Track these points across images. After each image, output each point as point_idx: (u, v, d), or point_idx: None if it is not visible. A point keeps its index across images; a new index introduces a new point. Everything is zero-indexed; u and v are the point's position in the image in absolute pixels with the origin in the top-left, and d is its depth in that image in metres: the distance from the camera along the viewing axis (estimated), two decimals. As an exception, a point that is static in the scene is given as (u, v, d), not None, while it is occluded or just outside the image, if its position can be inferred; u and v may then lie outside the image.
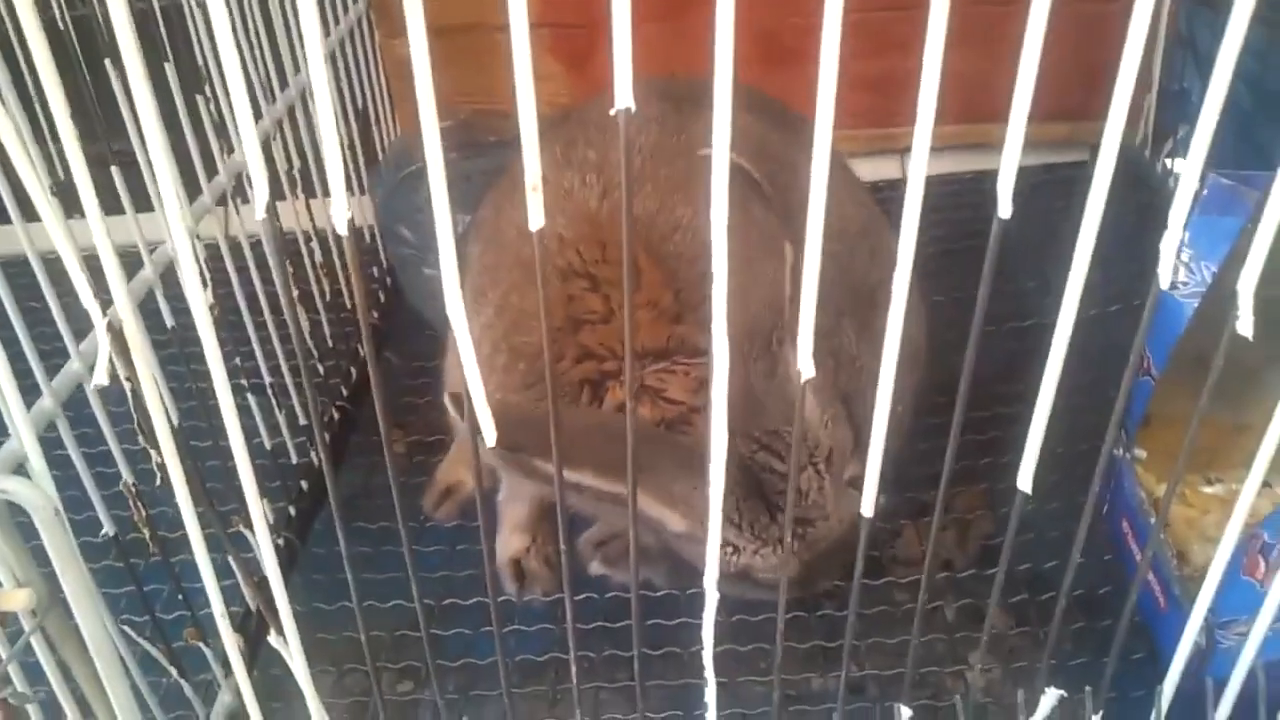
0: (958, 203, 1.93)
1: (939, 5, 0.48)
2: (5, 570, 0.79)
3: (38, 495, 0.73)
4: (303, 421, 1.45)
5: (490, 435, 0.66)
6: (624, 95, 0.55)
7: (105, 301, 0.66)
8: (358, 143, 1.75)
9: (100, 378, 0.64)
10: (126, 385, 0.72)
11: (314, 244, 1.55)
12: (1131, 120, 2.00)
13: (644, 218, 1.11)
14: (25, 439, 0.76)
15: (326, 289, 1.58)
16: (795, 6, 1.78)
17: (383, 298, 1.82)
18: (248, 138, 0.57)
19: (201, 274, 1.14)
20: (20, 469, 0.80)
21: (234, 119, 1.30)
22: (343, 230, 0.60)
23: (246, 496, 0.74)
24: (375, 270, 1.84)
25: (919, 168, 0.57)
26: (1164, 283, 0.63)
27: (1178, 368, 1.13)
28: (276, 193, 1.37)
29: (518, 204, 1.26)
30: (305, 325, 1.46)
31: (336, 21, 1.64)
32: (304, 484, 1.40)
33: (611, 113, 0.55)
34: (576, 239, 1.11)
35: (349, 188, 1.58)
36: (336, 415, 1.54)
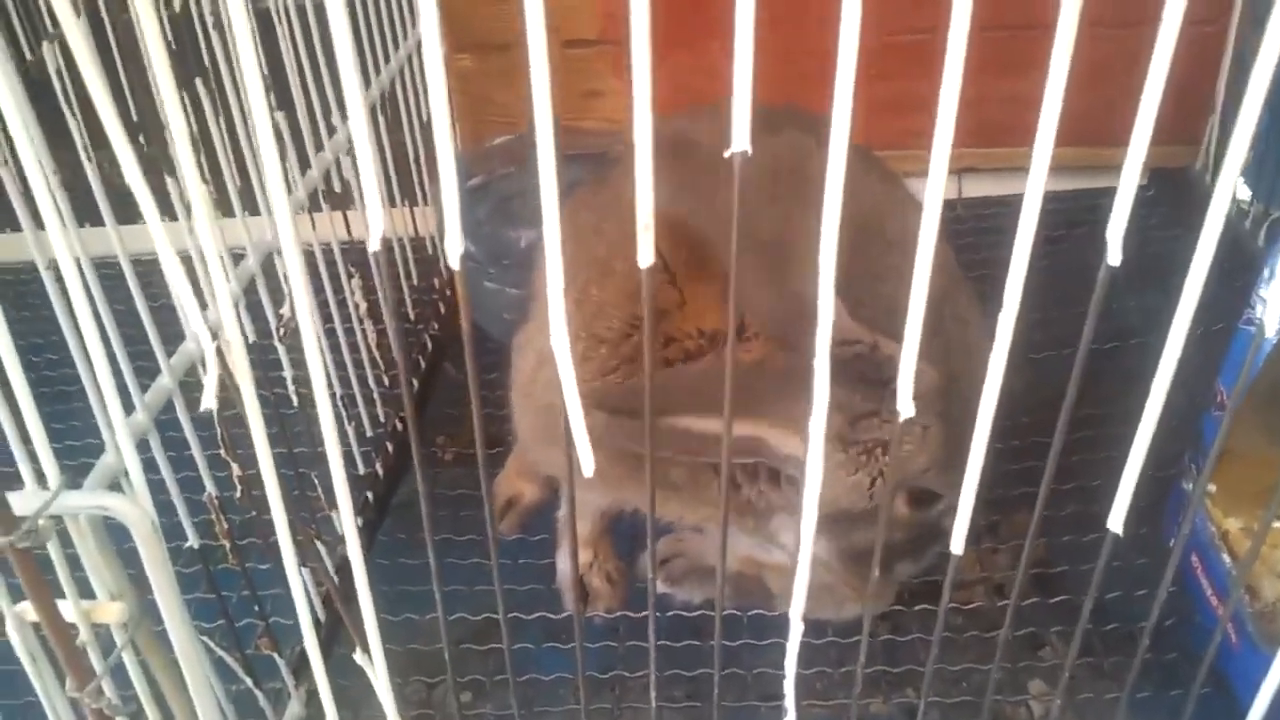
0: (1004, 225, 1.93)
1: (1067, 26, 0.48)
2: (98, 582, 0.81)
3: (137, 512, 0.74)
4: (369, 433, 1.47)
5: (589, 466, 0.67)
6: (741, 139, 0.55)
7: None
8: (422, 155, 1.77)
9: (209, 402, 0.66)
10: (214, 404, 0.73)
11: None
12: (1193, 144, 2.00)
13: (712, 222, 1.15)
14: (127, 455, 0.77)
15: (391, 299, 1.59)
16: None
17: (443, 309, 1.84)
18: (366, 176, 0.58)
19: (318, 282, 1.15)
20: (115, 483, 0.82)
21: (312, 137, 1.32)
22: (455, 264, 0.61)
23: (342, 515, 0.75)
24: (436, 281, 1.85)
25: (1035, 193, 0.57)
26: (1270, 331, 0.63)
27: (1250, 402, 1.13)
28: (347, 202, 1.40)
29: (594, 207, 1.28)
30: (372, 337, 1.48)
31: (405, 37, 1.65)
32: (369, 495, 1.42)
33: (726, 154, 0.56)
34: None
35: (415, 200, 1.59)
36: (399, 425, 1.55)
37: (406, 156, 1.72)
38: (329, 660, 1.10)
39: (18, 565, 0.70)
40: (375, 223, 0.59)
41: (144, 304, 0.97)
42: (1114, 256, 0.58)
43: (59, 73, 0.80)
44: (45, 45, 0.77)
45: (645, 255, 0.59)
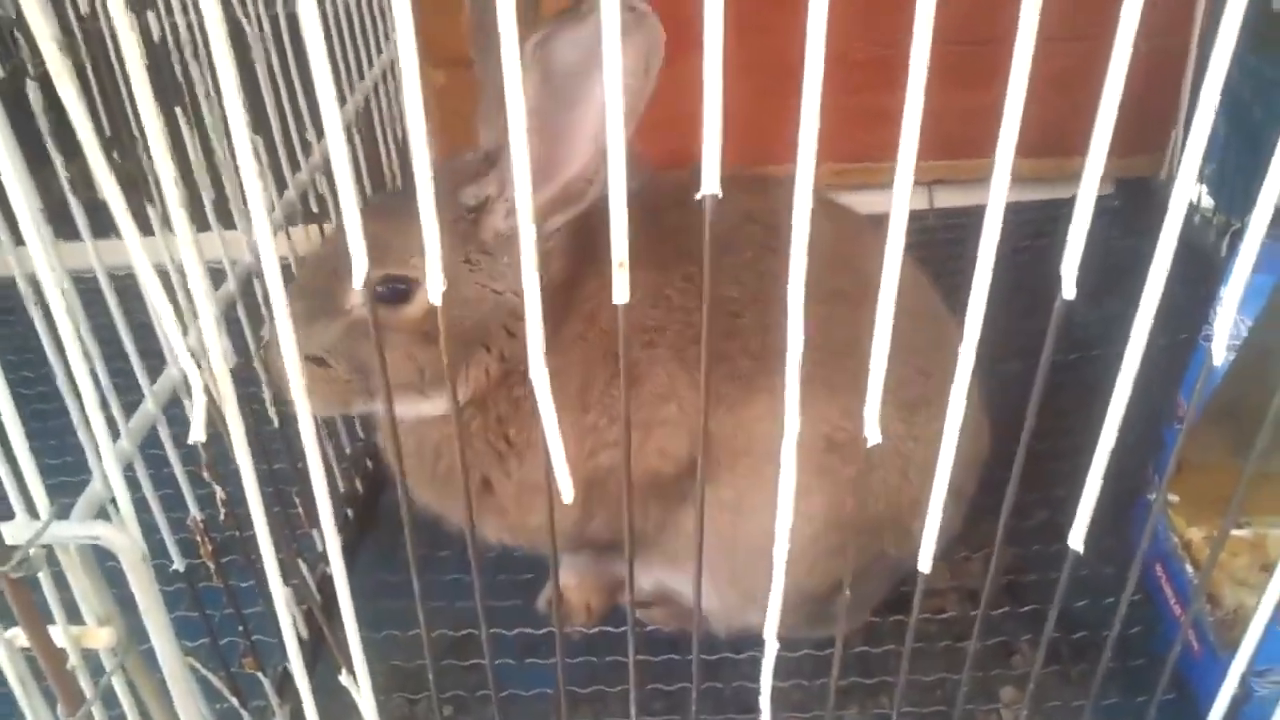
0: (970, 235, 1.96)
1: (1024, 43, 0.51)
2: (86, 608, 0.82)
3: (128, 541, 0.76)
4: (348, 449, 1.48)
5: (568, 493, 0.69)
6: (711, 182, 0.57)
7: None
8: (398, 173, 1.77)
9: (198, 434, 0.67)
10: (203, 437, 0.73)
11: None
12: (1157, 153, 2.04)
13: None
14: (115, 485, 0.79)
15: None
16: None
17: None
18: (350, 220, 0.60)
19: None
20: (102, 510, 0.83)
21: (288, 157, 1.34)
22: (437, 300, 0.63)
23: (327, 540, 0.76)
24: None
25: (996, 210, 0.59)
26: (1217, 359, 0.65)
27: (1209, 416, 1.16)
28: (324, 216, 1.41)
29: None
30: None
31: (379, 53, 1.66)
32: (349, 512, 1.43)
33: (697, 196, 0.58)
34: None
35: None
36: (378, 441, 1.56)
37: (382, 173, 1.73)
38: (312, 678, 1.12)
39: (11, 594, 0.71)
40: (359, 264, 0.61)
41: (124, 324, 0.97)
42: (1069, 290, 0.60)
43: (43, 109, 0.81)
44: (30, 83, 0.78)
45: (620, 293, 0.61)
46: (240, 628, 1.08)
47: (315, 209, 1.41)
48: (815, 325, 0.86)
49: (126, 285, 0.93)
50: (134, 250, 0.65)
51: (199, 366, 0.70)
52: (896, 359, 1.17)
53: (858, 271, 1.03)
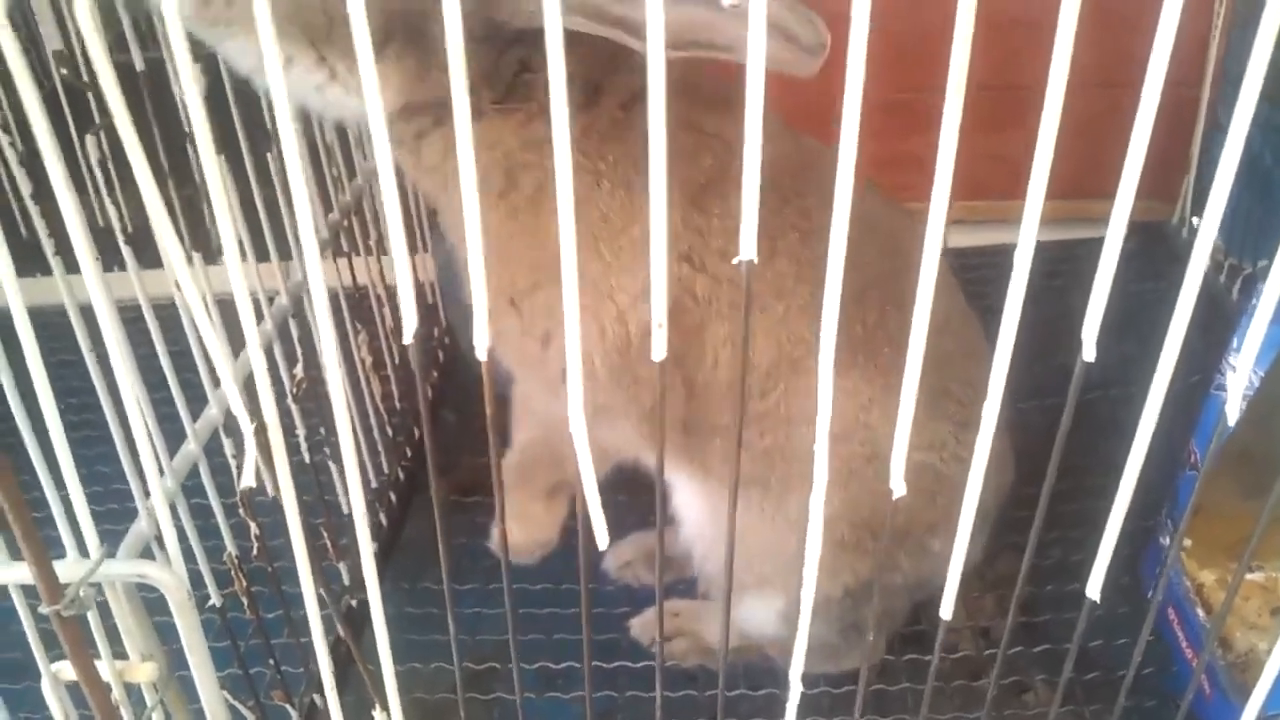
0: (988, 275, 2.00)
1: (1054, 96, 0.53)
2: (130, 643, 0.85)
3: (174, 580, 0.78)
4: (374, 484, 1.51)
5: (603, 539, 0.71)
6: (748, 248, 0.60)
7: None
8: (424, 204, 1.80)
9: (249, 480, 0.70)
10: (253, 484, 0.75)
11: (385, 309, 1.59)
12: (1169, 200, 2.07)
13: None
14: (163, 526, 0.81)
15: (395, 351, 1.63)
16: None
17: (442, 357, 1.88)
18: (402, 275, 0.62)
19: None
20: (147, 549, 0.86)
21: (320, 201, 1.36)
22: (482, 356, 0.65)
23: (365, 575, 0.78)
24: (435, 330, 1.89)
25: (1027, 247, 0.62)
26: (1231, 420, 0.67)
27: (1223, 459, 1.18)
28: (350, 247, 1.43)
29: None
30: (376, 387, 1.52)
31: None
32: (375, 545, 1.45)
33: (735, 261, 0.61)
34: None
35: (412, 246, 1.62)
36: (402, 475, 1.59)
37: (406, 203, 1.76)
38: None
39: (62, 632, 0.73)
40: (409, 319, 0.64)
41: (167, 359, 0.99)
42: (1089, 353, 0.63)
43: (102, 162, 0.84)
44: (89, 138, 0.82)
45: (659, 349, 0.64)
46: (270, 660, 1.11)
47: (345, 247, 1.44)
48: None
49: (162, 318, 0.96)
50: (186, 285, 0.67)
51: (244, 404, 0.72)
52: (963, 379, 1.17)
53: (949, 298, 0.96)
